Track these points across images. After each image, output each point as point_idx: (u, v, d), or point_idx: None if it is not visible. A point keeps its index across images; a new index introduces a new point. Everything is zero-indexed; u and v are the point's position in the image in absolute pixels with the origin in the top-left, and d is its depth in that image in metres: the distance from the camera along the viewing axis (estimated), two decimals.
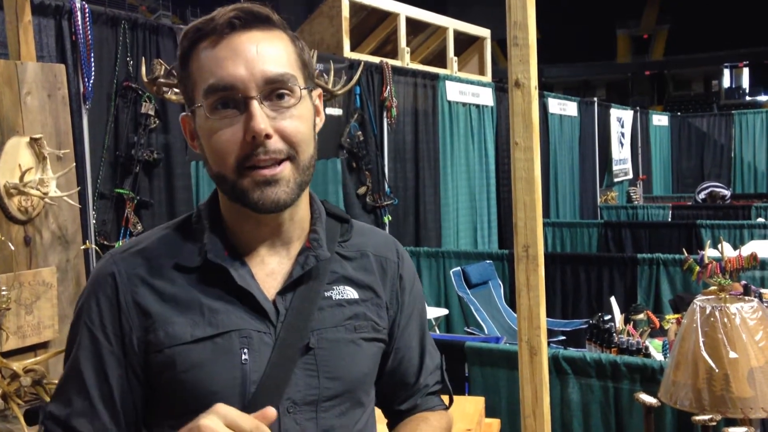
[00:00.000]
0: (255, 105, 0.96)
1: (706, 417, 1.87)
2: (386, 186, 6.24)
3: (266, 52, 0.98)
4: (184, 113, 1.05)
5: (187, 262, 1.01)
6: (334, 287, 1.06)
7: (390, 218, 6.26)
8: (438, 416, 1.21)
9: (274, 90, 0.98)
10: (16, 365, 2.27)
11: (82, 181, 3.44)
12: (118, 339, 0.99)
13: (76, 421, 0.99)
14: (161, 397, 1.00)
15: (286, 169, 0.98)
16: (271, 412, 0.86)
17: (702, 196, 10.29)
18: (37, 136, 2.62)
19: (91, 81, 3.63)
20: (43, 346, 2.56)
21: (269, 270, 1.04)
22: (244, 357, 0.97)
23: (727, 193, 10.36)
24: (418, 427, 1.15)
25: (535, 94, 2.29)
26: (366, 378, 1.08)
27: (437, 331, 5.78)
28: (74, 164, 2.82)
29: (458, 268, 5.76)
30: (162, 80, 3.03)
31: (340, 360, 1.03)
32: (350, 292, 1.06)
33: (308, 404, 1.00)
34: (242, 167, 0.97)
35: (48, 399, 2.27)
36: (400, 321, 1.15)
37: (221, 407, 0.85)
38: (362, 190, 6.01)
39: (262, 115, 0.96)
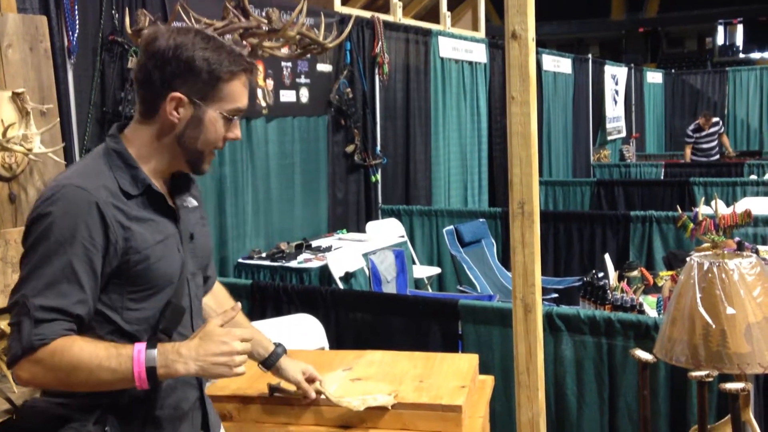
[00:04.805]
0: (239, 123, 1.57)
1: (702, 373, 1.86)
2: (377, 144, 6.17)
3: None
4: (178, 93, 1.46)
5: (130, 190, 1.46)
6: (186, 199, 1.61)
7: (378, 178, 6.20)
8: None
9: None
10: (4, 324, 2.24)
11: (69, 137, 3.37)
12: (104, 248, 1.40)
13: (75, 307, 1.37)
14: (133, 279, 1.44)
15: None
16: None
17: (692, 127, 10.21)
18: (20, 90, 2.55)
19: (76, 34, 3.53)
20: None
21: (164, 193, 1.55)
22: (179, 250, 1.53)
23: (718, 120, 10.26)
24: (228, 299, 1.86)
25: (532, 46, 2.22)
26: (211, 253, 1.74)
27: (429, 290, 5.79)
28: (58, 120, 2.75)
29: (451, 226, 5.73)
30: None
31: (203, 243, 1.64)
32: (192, 201, 1.63)
33: (194, 273, 1.59)
34: (213, 149, 1.55)
35: None
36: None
37: (231, 333, 1.43)
38: (350, 148, 5.93)
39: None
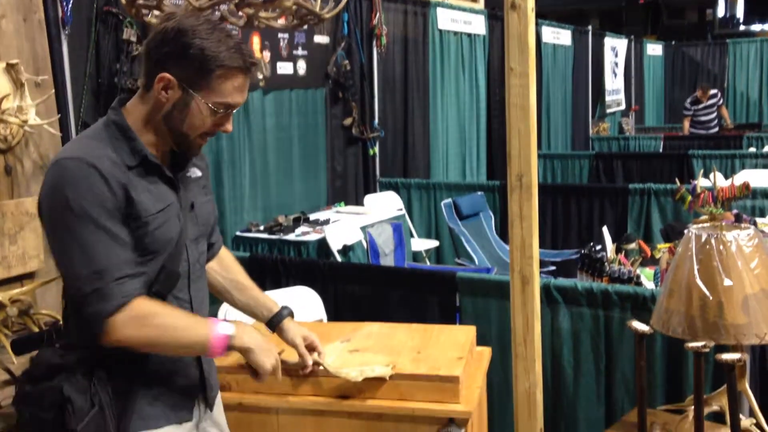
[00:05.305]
0: (232, 118, 1.60)
1: (699, 344, 1.87)
2: (375, 117, 6.14)
3: None
4: (168, 75, 1.49)
5: (128, 161, 1.51)
6: (189, 169, 1.66)
7: (376, 151, 6.18)
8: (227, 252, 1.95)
9: None
10: (2, 295, 2.24)
11: (64, 109, 3.34)
12: (117, 210, 1.46)
13: (133, 266, 1.48)
14: (132, 244, 1.49)
15: None
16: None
17: (690, 99, 10.16)
18: (14, 61, 2.52)
19: (70, 5, 3.48)
20: (29, 276, 2.52)
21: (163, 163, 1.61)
22: (179, 218, 1.58)
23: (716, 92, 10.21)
24: (234, 264, 1.93)
25: (531, 16, 2.20)
26: (214, 221, 1.80)
27: (427, 263, 5.80)
28: (53, 91, 2.73)
29: (449, 199, 5.72)
30: (141, 1, 2.90)
31: (205, 211, 1.69)
32: (196, 171, 1.68)
33: (195, 240, 1.65)
34: (202, 135, 1.57)
35: (36, 329, 2.26)
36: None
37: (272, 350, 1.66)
38: (348, 121, 5.90)
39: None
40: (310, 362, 1.94)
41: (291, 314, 1.94)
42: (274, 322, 1.91)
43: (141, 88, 1.56)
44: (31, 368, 1.53)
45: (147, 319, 1.46)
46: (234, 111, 1.58)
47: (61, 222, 1.43)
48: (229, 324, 1.57)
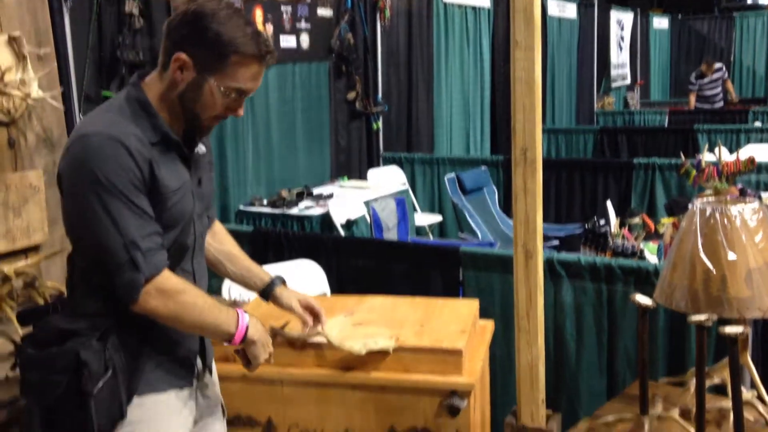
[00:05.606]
0: (244, 104, 1.63)
1: (702, 317, 1.87)
2: (379, 91, 6.10)
3: None
4: (184, 55, 1.52)
5: (151, 138, 1.54)
6: (197, 146, 1.68)
7: (380, 125, 6.15)
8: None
9: None
10: (7, 268, 2.25)
11: (67, 82, 3.33)
12: (143, 185, 1.50)
13: (159, 238, 1.53)
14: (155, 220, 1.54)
15: None
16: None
17: (695, 74, 10.07)
18: (16, 34, 2.50)
19: None
20: (34, 249, 2.53)
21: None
22: (192, 195, 1.63)
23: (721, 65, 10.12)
24: (226, 236, 1.96)
25: None
26: (213, 195, 1.86)
27: (431, 237, 5.80)
28: (56, 64, 2.71)
29: (453, 174, 5.71)
30: None
31: (208, 186, 1.75)
32: (202, 148, 1.70)
33: (200, 214, 1.70)
34: (213, 118, 1.60)
35: (41, 302, 2.27)
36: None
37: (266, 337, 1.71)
38: (351, 95, 5.86)
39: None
40: (309, 320, 1.99)
41: (283, 282, 1.99)
42: (267, 291, 1.96)
43: (159, 66, 1.59)
44: (37, 334, 1.57)
45: (175, 295, 1.53)
46: (246, 97, 1.61)
47: (89, 196, 1.46)
48: (248, 315, 1.64)
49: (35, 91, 2.47)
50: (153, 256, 1.51)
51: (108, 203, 1.46)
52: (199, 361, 1.72)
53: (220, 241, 1.93)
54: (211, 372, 1.80)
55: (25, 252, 2.50)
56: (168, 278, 1.53)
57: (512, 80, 2.32)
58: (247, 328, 1.62)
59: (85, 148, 1.47)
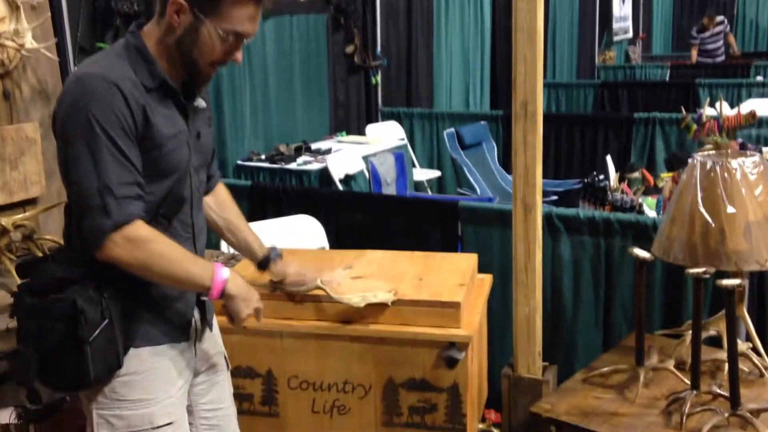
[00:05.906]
0: (242, 47, 1.60)
1: (699, 270, 1.88)
2: (378, 45, 6.02)
3: None
4: None
5: (147, 83, 1.53)
6: (196, 99, 1.67)
7: (379, 80, 6.09)
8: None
9: None
10: (5, 220, 2.24)
11: (61, 33, 3.27)
12: (133, 132, 1.49)
13: (139, 188, 1.50)
14: (143, 164, 1.52)
15: None
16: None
17: (696, 27, 9.95)
18: None
19: None
20: (32, 202, 2.53)
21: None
22: (188, 145, 1.62)
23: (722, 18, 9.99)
24: (229, 201, 1.94)
25: None
26: (213, 153, 1.84)
27: (429, 192, 5.80)
28: (49, 14, 2.67)
29: (452, 129, 5.68)
30: None
31: (207, 141, 1.73)
32: (202, 102, 1.69)
33: (197, 168, 1.68)
34: (211, 64, 1.58)
35: (40, 254, 2.27)
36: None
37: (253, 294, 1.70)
38: (350, 48, 5.79)
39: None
40: (307, 280, 2.04)
41: (279, 256, 2.01)
42: (264, 264, 1.99)
43: (156, 14, 1.57)
44: (34, 281, 1.57)
45: (143, 243, 1.49)
46: (245, 41, 1.58)
47: (78, 135, 1.45)
48: (226, 269, 1.62)
49: (29, 42, 2.43)
50: (128, 204, 1.48)
51: (93, 145, 1.45)
52: (197, 314, 1.72)
53: (222, 206, 1.91)
54: (211, 327, 1.80)
55: (22, 205, 2.50)
56: (139, 227, 1.50)
57: (514, 30, 2.29)
58: (225, 282, 1.60)
59: (81, 89, 1.46)
